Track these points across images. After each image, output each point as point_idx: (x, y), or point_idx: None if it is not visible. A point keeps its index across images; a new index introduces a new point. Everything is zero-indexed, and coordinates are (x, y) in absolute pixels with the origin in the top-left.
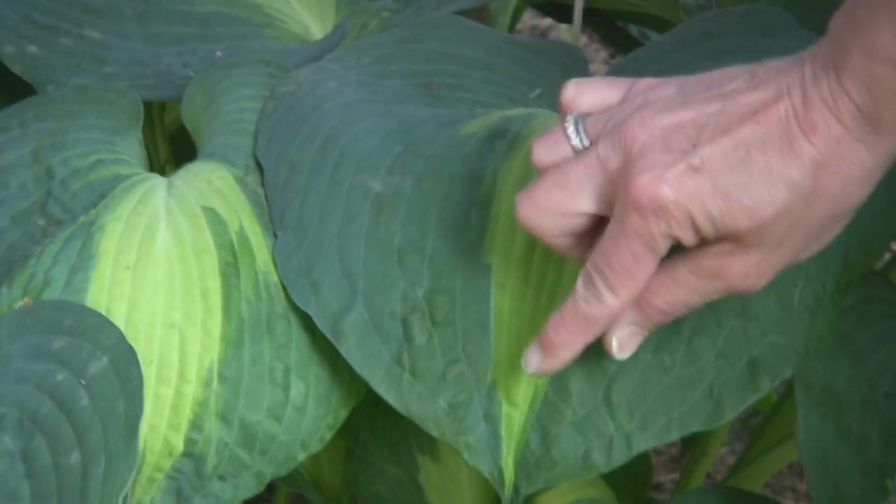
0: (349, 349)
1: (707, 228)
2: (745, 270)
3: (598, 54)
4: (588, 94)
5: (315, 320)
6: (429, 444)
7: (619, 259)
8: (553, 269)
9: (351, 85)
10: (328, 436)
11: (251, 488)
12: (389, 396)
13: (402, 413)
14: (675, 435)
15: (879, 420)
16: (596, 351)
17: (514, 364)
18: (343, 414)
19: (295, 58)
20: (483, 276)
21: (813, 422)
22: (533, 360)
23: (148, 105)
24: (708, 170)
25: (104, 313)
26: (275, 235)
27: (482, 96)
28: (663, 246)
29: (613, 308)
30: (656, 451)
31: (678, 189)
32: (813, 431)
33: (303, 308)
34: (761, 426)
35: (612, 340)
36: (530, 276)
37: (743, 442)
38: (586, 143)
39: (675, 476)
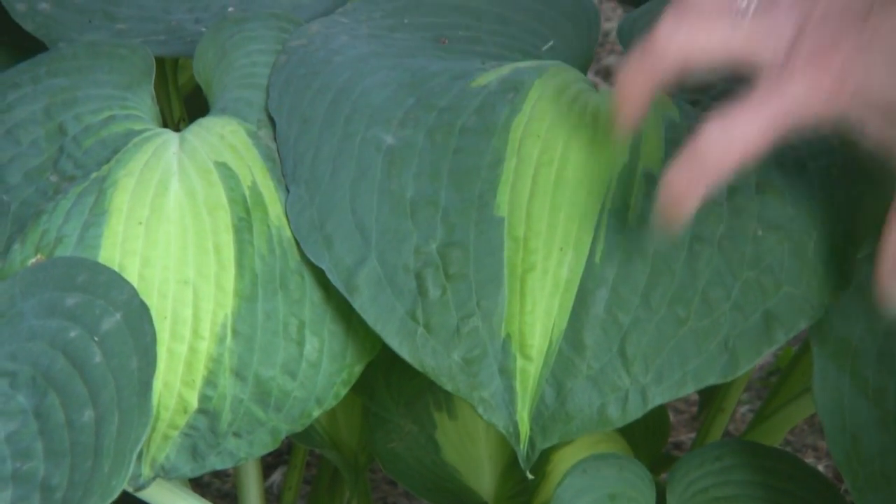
0: (363, 304)
1: None
2: None
3: (615, 12)
4: None
5: (328, 275)
6: (445, 401)
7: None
8: (566, 221)
9: (362, 38)
10: (343, 392)
11: (266, 445)
12: (403, 351)
13: (417, 368)
14: (690, 388)
15: None
16: (609, 303)
17: (528, 317)
18: (358, 370)
19: (306, 11)
20: (496, 229)
21: (829, 375)
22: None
23: (161, 62)
24: None
25: (117, 269)
26: (287, 190)
27: (494, 49)
28: None
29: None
30: (676, 410)
31: None
32: (829, 384)
33: (316, 262)
34: (779, 380)
35: None
36: (543, 229)
37: (762, 400)
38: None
39: (694, 435)
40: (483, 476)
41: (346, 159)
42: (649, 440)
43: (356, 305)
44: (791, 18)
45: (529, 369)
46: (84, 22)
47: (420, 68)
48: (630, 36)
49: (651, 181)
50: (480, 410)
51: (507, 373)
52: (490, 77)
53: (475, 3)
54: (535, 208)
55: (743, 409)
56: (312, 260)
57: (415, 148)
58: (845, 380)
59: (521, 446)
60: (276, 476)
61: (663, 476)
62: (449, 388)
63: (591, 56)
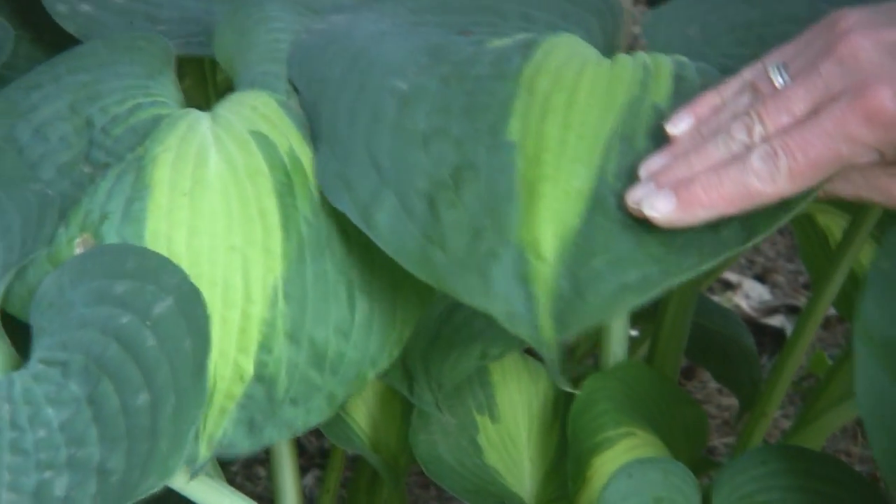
0: (381, 234)
1: None
2: None
3: (635, 8)
4: (774, 56)
5: (349, 215)
6: (487, 405)
7: (821, 153)
8: (576, 139)
9: (385, 25)
10: (396, 352)
11: (323, 412)
12: (423, 274)
13: (438, 289)
14: (708, 263)
15: None
16: (622, 208)
17: (540, 222)
18: (408, 329)
19: (328, 5)
20: (508, 150)
21: (872, 375)
22: (661, 205)
23: (200, 63)
24: None
25: (165, 240)
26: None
27: None
28: (869, 157)
29: (783, 193)
30: (708, 416)
31: None
32: (872, 385)
33: (337, 206)
34: (820, 388)
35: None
36: (554, 146)
37: (794, 405)
38: (789, 80)
39: (728, 440)
40: (524, 479)
41: (361, 107)
42: (689, 444)
43: (374, 237)
44: None
45: (545, 270)
46: (125, 23)
47: (438, 37)
48: (656, 30)
49: (659, 114)
50: (503, 320)
51: (525, 278)
52: (505, 41)
53: (500, 2)
54: (547, 130)
55: (776, 413)
56: (334, 204)
57: (428, 91)
58: (888, 381)
59: (547, 344)
60: (308, 480)
61: (703, 480)
62: (470, 302)
63: (616, 50)
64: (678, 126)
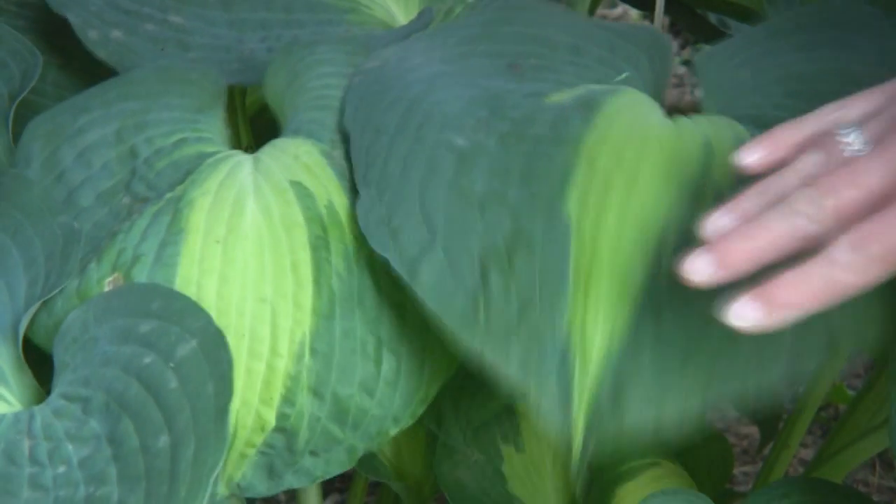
0: (424, 291)
1: None
2: None
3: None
4: (851, 109)
5: (392, 263)
6: (512, 434)
7: None
8: (633, 231)
9: (436, 61)
10: (420, 410)
11: (343, 464)
12: (464, 334)
13: (475, 357)
14: (751, 395)
15: None
16: (674, 306)
17: (590, 317)
18: (434, 389)
19: (378, 43)
20: (564, 228)
21: None
22: (750, 314)
23: (230, 89)
24: None
25: (195, 287)
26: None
27: (567, 77)
28: None
29: (875, 282)
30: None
31: None
32: None
33: (380, 252)
34: (841, 421)
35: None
36: (611, 232)
37: (813, 435)
38: (867, 148)
39: (748, 469)
40: None
41: (416, 159)
42: (713, 475)
43: (418, 293)
44: None
45: (589, 368)
46: (157, 50)
47: (494, 86)
48: (707, 70)
49: (720, 197)
50: (536, 406)
51: (565, 369)
52: (564, 95)
53: (549, 34)
54: (605, 213)
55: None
56: (377, 250)
57: (486, 150)
58: None
59: (575, 446)
60: None
61: None
62: (507, 380)
63: (663, 87)
64: (751, 156)
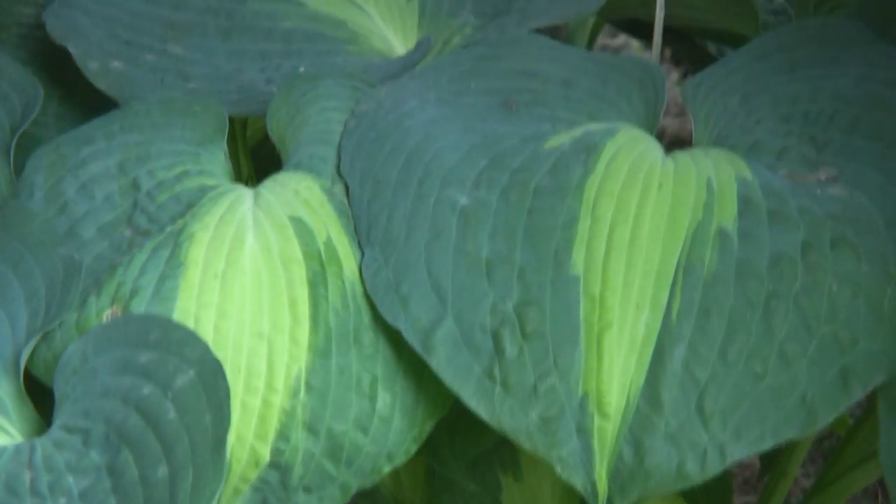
0: (440, 363)
1: None
2: None
3: (668, 75)
4: None
5: (405, 335)
6: (511, 463)
7: None
8: (641, 279)
9: (431, 102)
10: (414, 448)
11: (336, 500)
12: (481, 410)
13: (494, 427)
14: (769, 443)
15: None
16: (686, 360)
17: (605, 375)
18: (429, 426)
19: (378, 73)
20: (572, 287)
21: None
22: None
23: (230, 121)
24: None
25: (192, 321)
26: (361, 251)
27: (561, 112)
28: None
29: None
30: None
31: None
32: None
33: (392, 323)
34: (839, 448)
35: None
36: (619, 287)
37: (815, 464)
38: None
39: (750, 499)
40: None
41: (420, 220)
42: (712, 503)
43: (433, 365)
44: None
45: (607, 427)
46: (156, 81)
47: (491, 131)
48: (695, 99)
49: (726, 238)
50: (559, 469)
51: (584, 431)
52: (562, 139)
53: (540, 67)
54: (611, 266)
55: (797, 472)
56: (389, 321)
57: (489, 208)
58: None
59: (600, 501)
60: None
61: None
62: (527, 446)
63: (657, 118)
64: None
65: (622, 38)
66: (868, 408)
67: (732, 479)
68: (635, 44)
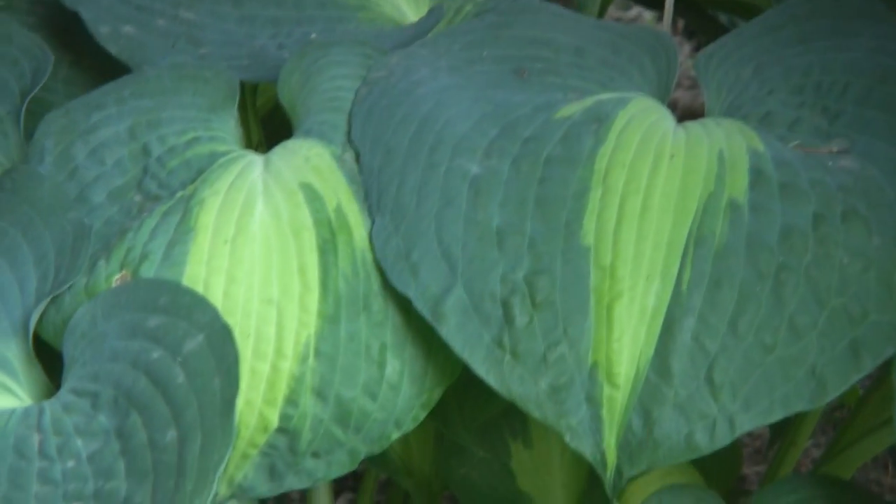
0: (449, 331)
1: None
2: None
3: (681, 48)
4: None
5: (414, 303)
6: (521, 430)
7: None
8: (652, 250)
9: (443, 70)
10: (422, 415)
11: (344, 466)
12: (490, 378)
13: (504, 395)
14: (778, 415)
15: None
16: (696, 331)
17: (615, 345)
18: (437, 393)
19: (389, 41)
20: (582, 258)
21: None
22: None
23: (241, 87)
24: None
25: (202, 286)
26: (371, 219)
27: (573, 81)
28: None
29: None
30: (740, 444)
31: None
32: None
33: (401, 291)
34: (849, 417)
35: None
36: (630, 257)
37: (826, 435)
38: None
39: (759, 468)
40: None
41: (431, 189)
42: (721, 472)
43: (442, 333)
44: None
45: (616, 397)
46: (167, 46)
47: (502, 100)
48: (707, 69)
49: (737, 209)
50: (567, 438)
51: (593, 400)
52: (573, 108)
53: (552, 36)
54: (622, 237)
55: (807, 443)
56: (398, 288)
57: (500, 177)
58: None
59: (608, 474)
60: (340, 502)
61: None
62: (536, 415)
63: (669, 88)
64: None
65: (635, 11)
66: (878, 378)
67: (742, 449)
68: (647, 16)
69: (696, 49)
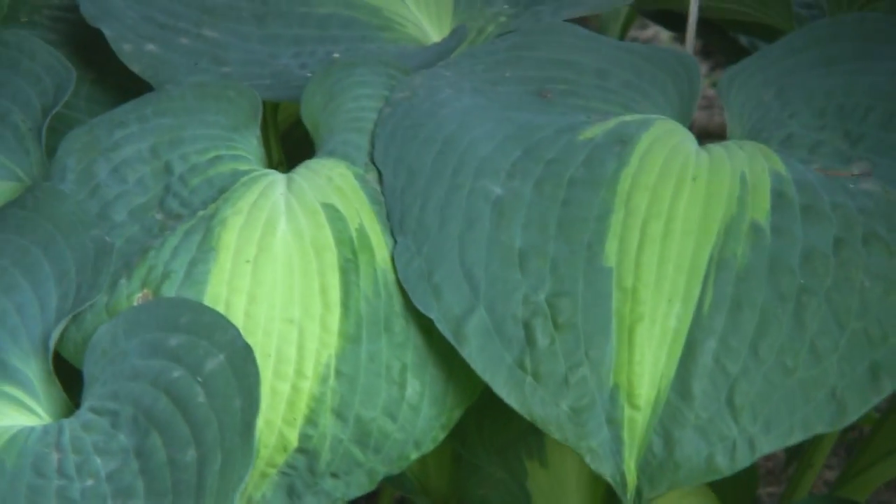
0: (471, 353)
1: None
2: None
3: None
4: None
5: (437, 324)
6: (537, 450)
7: None
8: (674, 272)
9: (466, 91)
10: (442, 436)
11: (363, 486)
12: (512, 400)
13: (525, 417)
14: (798, 437)
15: None
16: (717, 353)
17: (636, 367)
18: (457, 414)
19: (412, 61)
20: (604, 279)
21: None
22: None
23: (263, 105)
24: None
25: (223, 306)
26: (394, 239)
27: (595, 103)
28: None
29: None
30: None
31: None
32: None
33: (424, 312)
34: (866, 441)
35: None
36: (651, 280)
37: (838, 457)
38: None
39: (773, 489)
40: None
41: (454, 210)
42: (737, 493)
43: (464, 354)
44: None
45: (637, 419)
46: (190, 64)
47: (526, 121)
48: (730, 92)
49: (758, 232)
50: (588, 459)
51: (614, 422)
52: (596, 130)
53: (575, 57)
54: (644, 259)
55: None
56: (421, 309)
57: (523, 199)
58: None
59: (629, 495)
60: None
61: None
62: (557, 437)
63: (691, 110)
64: None
65: (652, 30)
66: (893, 401)
67: (757, 470)
68: (665, 35)
69: (713, 69)
